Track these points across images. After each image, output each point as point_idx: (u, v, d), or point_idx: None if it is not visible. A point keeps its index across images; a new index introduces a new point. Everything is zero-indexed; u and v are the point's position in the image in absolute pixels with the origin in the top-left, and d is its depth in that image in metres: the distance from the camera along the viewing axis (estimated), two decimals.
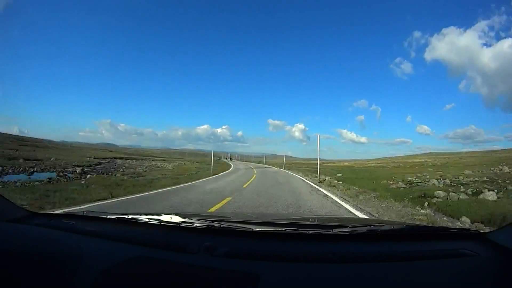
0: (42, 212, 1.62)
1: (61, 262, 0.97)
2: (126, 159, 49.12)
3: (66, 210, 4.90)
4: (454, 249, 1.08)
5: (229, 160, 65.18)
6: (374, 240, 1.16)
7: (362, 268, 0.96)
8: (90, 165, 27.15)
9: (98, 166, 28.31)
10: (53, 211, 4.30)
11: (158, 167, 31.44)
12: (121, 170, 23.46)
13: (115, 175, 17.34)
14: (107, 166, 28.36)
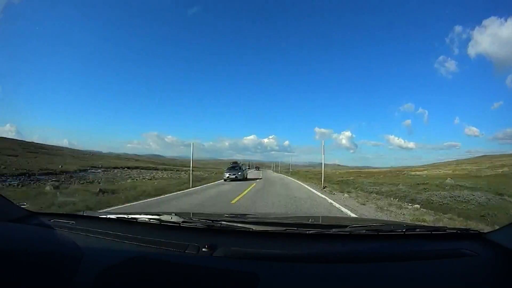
0: (42, 212, 1.62)
1: (61, 262, 0.97)
2: (141, 168, 44.96)
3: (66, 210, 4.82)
4: (454, 249, 1.08)
5: (248, 169, 33.12)
6: (374, 240, 1.16)
7: (362, 268, 0.96)
8: (32, 175, 20.88)
9: (55, 176, 21.92)
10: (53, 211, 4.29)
11: (140, 179, 23.00)
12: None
13: None
14: (66, 178, 21.60)
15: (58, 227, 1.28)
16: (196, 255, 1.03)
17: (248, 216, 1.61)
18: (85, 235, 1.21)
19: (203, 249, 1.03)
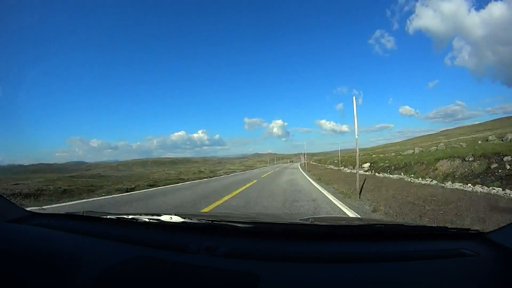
0: (42, 212, 1.62)
1: (61, 262, 0.97)
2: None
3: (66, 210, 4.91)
4: (454, 249, 1.08)
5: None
6: (374, 240, 1.16)
7: (362, 268, 0.96)
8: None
9: None
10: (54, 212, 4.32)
11: None
12: None
13: None
14: None
15: (58, 227, 1.28)
16: (196, 255, 1.03)
17: (248, 216, 1.61)
18: (85, 235, 1.21)
19: (203, 249, 1.03)
